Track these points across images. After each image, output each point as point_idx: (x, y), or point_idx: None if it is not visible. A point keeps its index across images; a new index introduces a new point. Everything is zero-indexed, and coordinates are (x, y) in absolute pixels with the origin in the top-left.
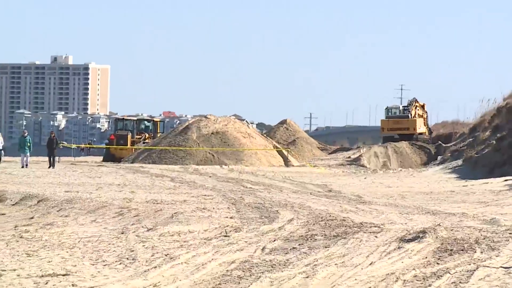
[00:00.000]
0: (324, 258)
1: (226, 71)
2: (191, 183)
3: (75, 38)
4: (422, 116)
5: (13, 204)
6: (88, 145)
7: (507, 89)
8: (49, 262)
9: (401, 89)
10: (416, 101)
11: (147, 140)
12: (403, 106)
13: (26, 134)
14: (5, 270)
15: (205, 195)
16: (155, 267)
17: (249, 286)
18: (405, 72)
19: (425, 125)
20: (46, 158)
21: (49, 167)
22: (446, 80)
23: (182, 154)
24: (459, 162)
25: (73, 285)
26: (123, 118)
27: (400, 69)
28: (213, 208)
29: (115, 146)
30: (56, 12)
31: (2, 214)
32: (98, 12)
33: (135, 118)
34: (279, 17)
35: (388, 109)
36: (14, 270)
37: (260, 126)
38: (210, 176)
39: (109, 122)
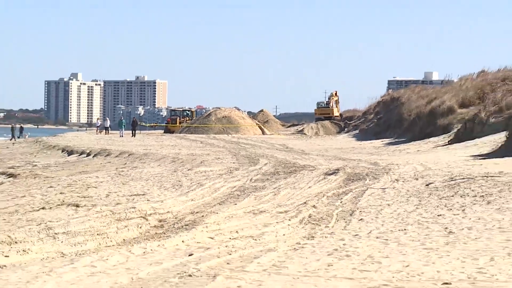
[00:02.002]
0: (284, 184)
1: (231, 76)
2: (211, 144)
3: (148, 61)
4: (337, 103)
5: (115, 156)
6: (155, 124)
7: (384, 90)
8: (135, 188)
9: (325, 92)
10: (336, 94)
11: (187, 121)
12: (326, 101)
13: (122, 119)
14: (110, 192)
15: (219, 151)
16: (192, 190)
17: (244, 199)
18: (333, 74)
19: (338, 111)
20: (130, 132)
21: (132, 136)
22: (350, 83)
23: (206, 128)
24: (357, 131)
25: (147, 200)
26: (174, 109)
27: (330, 73)
28: (223, 157)
29: (170, 125)
30: (136, 43)
31: (109, 162)
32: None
33: (181, 109)
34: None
35: (318, 103)
36: (115, 192)
37: (249, 113)
38: (221, 140)
39: (167, 111)
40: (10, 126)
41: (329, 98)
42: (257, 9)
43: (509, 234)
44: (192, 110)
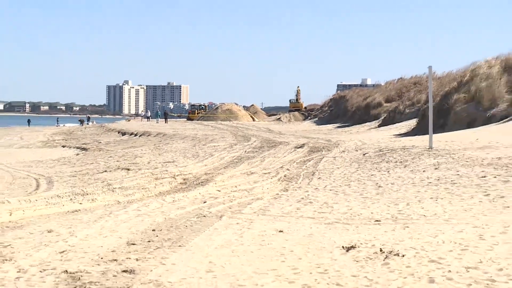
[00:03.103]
0: (267, 155)
1: (232, 79)
2: (218, 128)
3: (175, 70)
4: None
5: (154, 136)
6: (180, 115)
7: (334, 91)
8: (167, 157)
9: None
10: (298, 88)
11: (202, 113)
12: (296, 98)
13: (158, 111)
14: (150, 160)
15: (223, 132)
16: (206, 158)
17: (240, 165)
18: (301, 76)
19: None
20: (163, 120)
21: (165, 123)
22: (313, 84)
23: (215, 117)
24: (316, 119)
25: (176, 165)
26: (193, 105)
27: (300, 75)
28: (226, 137)
29: (190, 115)
30: (165, 56)
31: (149, 140)
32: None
33: (198, 104)
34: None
35: (290, 100)
36: (154, 160)
37: (244, 106)
38: (225, 125)
39: (189, 106)
40: (81, 120)
41: (297, 96)
42: (247, 16)
43: (419, 187)
44: (205, 105)
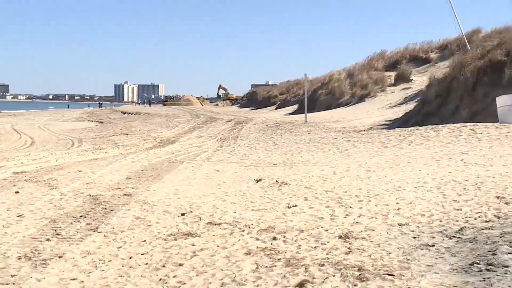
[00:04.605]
0: (210, 126)
1: (189, 77)
2: (181, 110)
3: (156, 72)
4: (225, 89)
5: (143, 114)
6: (157, 103)
7: (249, 87)
8: (150, 127)
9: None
10: (220, 85)
11: (171, 101)
12: (227, 93)
13: (145, 99)
14: (140, 129)
15: (184, 113)
16: (173, 128)
17: (194, 132)
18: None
19: (233, 96)
20: (148, 105)
21: (149, 107)
22: (239, 81)
23: (179, 104)
24: (239, 105)
25: (155, 132)
26: (166, 96)
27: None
28: (185, 115)
29: (165, 102)
30: (148, 61)
31: (140, 117)
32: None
33: (169, 96)
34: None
35: (224, 94)
36: (142, 128)
37: (196, 97)
38: (185, 109)
39: (164, 97)
40: (98, 103)
41: (225, 90)
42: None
43: (299, 144)
44: (173, 96)
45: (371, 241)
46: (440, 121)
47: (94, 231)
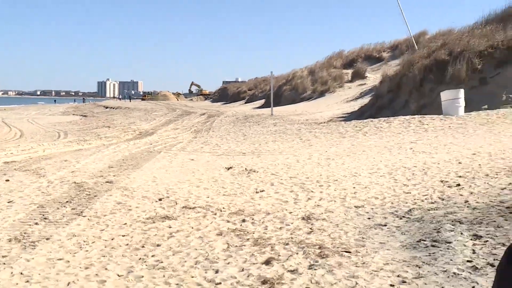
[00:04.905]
0: (185, 119)
1: (164, 74)
2: (158, 104)
3: (136, 69)
4: (199, 86)
5: (123, 108)
6: (137, 98)
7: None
8: (130, 120)
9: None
10: (193, 82)
11: (149, 96)
12: (201, 89)
13: (125, 95)
14: (121, 122)
15: (161, 107)
16: (151, 121)
17: (170, 124)
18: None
19: (206, 91)
20: (129, 100)
21: (129, 102)
22: (211, 77)
23: (156, 99)
24: (211, 99)
25: (135, 124)
26: (145, 92)
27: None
28: (162, 109)
29: (143, 97)
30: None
31: (121, 110)
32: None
33: (147, 91)
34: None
35: (197, 90)
36: (123, 121)
37: (172, 93)
38: (162, 104)
39: (142, 92)
40: (82, 98)
41: (198, 87)
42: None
43: (266, 135)
44: (151, 92)
45: (331, 222)
46: (391, 114)
47: (79, 215)
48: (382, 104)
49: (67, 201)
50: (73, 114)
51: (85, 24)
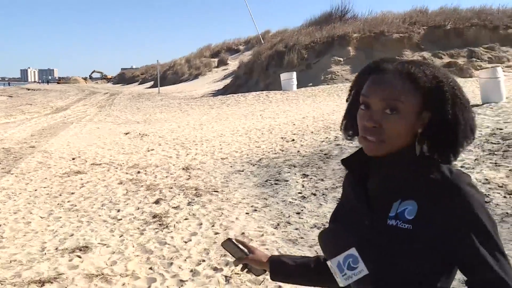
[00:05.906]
0: (92, 97)
1: (81, 61)
2: (71, 87)
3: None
4: (102, 73)
5: (42, 90)
6: (53, 82)
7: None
8: (48, 99)
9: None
10: (94, 71)
11: (63, 81)
12: (105, 74)
13: (45, 79)
14: (41, 101)
15: (73, 89)
16: (66, 99)
17: (81, 101)
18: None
19: (110, 76)
20: (47, 84)
21: (47, 85)
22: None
23: (69, 83)
24: (112, 82)
25: (52, 102)
26: (59, 77)
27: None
28: (73, 91)
29: (58, 82)
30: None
31: (41, 91)
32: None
33: (61, 77)
34: None
35: (102, 75)
36: (42, 100)
37: (83, 77)
38: (74, 86)
39: (58, 78)
40: (8, 82)
41: (101, 74)
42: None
43: (155, 108)
44: (65, 77)
45: (203, 170)
46: (246, 90)
47: (8, 173)
48: (240, 84)
49: None
50: (1, 95)
51: (13, 17)
